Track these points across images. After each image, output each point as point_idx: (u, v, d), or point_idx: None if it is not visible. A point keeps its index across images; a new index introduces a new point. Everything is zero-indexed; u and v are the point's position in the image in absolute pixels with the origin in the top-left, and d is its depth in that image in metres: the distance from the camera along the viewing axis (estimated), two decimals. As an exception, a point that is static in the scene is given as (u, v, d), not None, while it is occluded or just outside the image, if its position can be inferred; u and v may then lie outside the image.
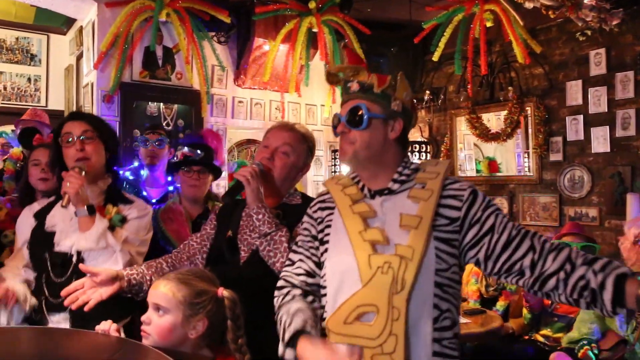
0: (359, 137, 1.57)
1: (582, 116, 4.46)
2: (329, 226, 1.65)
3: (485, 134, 5.08)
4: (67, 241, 2.04)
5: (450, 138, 5.44)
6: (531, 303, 3.49)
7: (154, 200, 3.33)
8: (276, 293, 1.71)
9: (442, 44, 4.58)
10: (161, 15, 4.11)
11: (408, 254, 1.45)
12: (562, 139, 4.60)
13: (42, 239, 2.10)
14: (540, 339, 3.53)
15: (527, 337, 3.63)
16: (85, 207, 2.01)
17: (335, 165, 4.96)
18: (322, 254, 1.66)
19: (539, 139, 4.69)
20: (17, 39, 6.20)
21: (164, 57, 4.39)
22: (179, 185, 3.34)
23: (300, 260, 1.70)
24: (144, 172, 3.56)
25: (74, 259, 2.03)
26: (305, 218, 1.76)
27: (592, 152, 4.39)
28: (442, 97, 5.39)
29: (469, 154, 5.70)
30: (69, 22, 6.00)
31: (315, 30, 4.52)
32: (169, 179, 3.55)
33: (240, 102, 4.76)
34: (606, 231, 4.30)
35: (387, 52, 5.02)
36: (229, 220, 2.12)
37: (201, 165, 2.88)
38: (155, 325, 1.59)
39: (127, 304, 2.04)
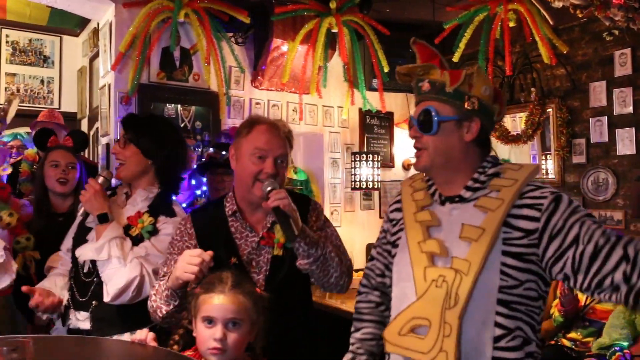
0: (431, 143, 1.49)
1: (606, 117, 4.37)
2: (401, 229, 1.60)
3: (505, 136, 5.00)
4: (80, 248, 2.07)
5: (468, 140, 5.36)
6: (567, 308, 3.40)
7: (183, 205, 3.31)
8: (359, 289, 1.77)
9: (462, 45, 4.51)
10: (180, 15, 4.05)
11: (464, 267, 1.37)
12: (585, 140, 4.52)
13: (81, 234, 2.14)
14: (567, 343, 3.45)
15: (552, 342, 3.55)
16: (97, 216, 2.01)
17: (354, 167, 4.89)
18: (393, 257, 1.62)
19: (562, 141, 4.61)
20: (30, 40, 6.19)
21: (181, 58, 4.33)
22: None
23: (377, 259, 1.71)
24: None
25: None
26: (385, 217, 1.73)
27: (617, 154, 4.31)
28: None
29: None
30: (82, 23, 5.98)
31: (334, 30, 4.46)
32: (193, 182, 3.53)
33: (257, 103, 4.70)
34: (632, 234, 4.22)
35: (405, 53, 4.94)
36: (220, 242, 1.94)
37: (225, 167, 2.85)
38: (233, 339, 1.56)
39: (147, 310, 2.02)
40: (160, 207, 2.13)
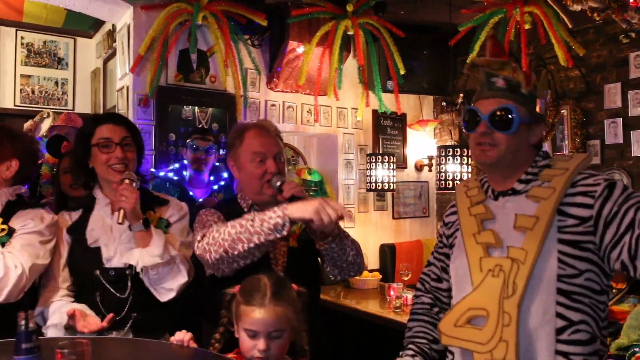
0: (504, 141, 1.48)
1: (621, 119, 4.39)
2: (457, 230, 1.63)
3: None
4: (123, 257, 1.99)
5: (481, 141, 5.38)
6: None
7: (200, 200, 3.34)
8: (415, 292, 1.81)
9: (477, 47, 4.53)
10: (198, 18, 4.09)
11: (520, 256, 1.38)
12: (599, 142, 4.54)
13: (86, 255, 2.03)
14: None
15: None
16: (141, 221, 1.96)
17: (369, 169, 4.91)
18: (449, 259, 1.66)
19: (576, 143, 4.63)
20: (44, 42, 6.23)
21: (198, 60, 4.37)
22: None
23: (433, 264, 1.73)
24: (187, 173, 3.57)
25: (132, 273, 2.01)
26: (441, 222, 1.77)
27: (632, 155, 4.33)
28: (473, 100, 5.33)
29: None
30: (96, 25, 6.02)
31: (350, 33, 4.48)
32: (211, 178, 3.56)
33: (272, 105, 4.74)
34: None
35: (419, 55, 4.98)
36: None
37: None
38: (275, 348, 1.59)
39: (185, 310, 2.09)
40: (148, 200, 2.14)
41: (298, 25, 4.45)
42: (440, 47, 4.97)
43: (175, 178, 3.50)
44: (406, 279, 3.88)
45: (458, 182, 4.19)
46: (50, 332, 1.93)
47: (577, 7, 3.39)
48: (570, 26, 4.07)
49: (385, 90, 4.84)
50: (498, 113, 1.47)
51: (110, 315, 1.87)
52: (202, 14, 4.10)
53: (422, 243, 5.49)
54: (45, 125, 4.30)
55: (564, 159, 1.51)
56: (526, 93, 1.49)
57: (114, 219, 1.98)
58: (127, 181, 1.98)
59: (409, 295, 3.75)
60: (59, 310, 1.92)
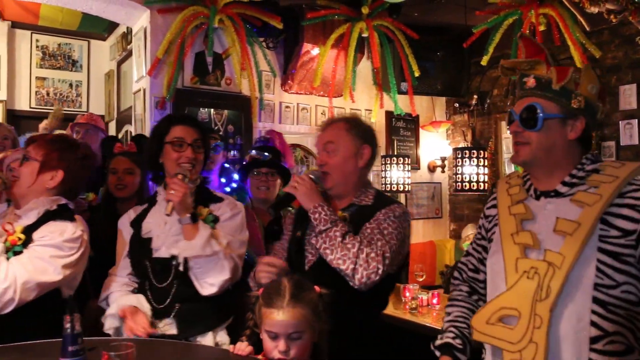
0: (534, 139, 1.48)
1: (636, 120, 4.39)
2: (496, 225, 1.61)
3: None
4: (169, 248, 2.06)
5: (494, 142, 5.40)
6: None
7: None
8: (452, 281, 1.80)
9: (491, 49, 4.55)
10: (214, 21, 4.12)
11: (557, 261, 1.38)
12: (615, 143, 4.53)
13: (140, 246, 2.12)
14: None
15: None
16: (189, 215, 2.01)
17: (384, 170, 4.93)
18: (487, 252, 1.65)
19: (591, 144, 4.62)
20: (59, 45, 6.29)
21: (213, 63, 4.40)
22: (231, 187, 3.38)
23: (471, 254, 1.73)
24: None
25: (177, 264, 2.05)
26: (482, 214, 1.74)
27: (648, 156, 4.33)
28: (487, 101, 5.34)
29: (507, 158, 5.65)
30: (110, 28, 6.07)
31: (364, 35, 4.50)
32: (223, 180, 3.57)
33: (287, 107, 4.76)
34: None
35: (433, 57, 4.99)
36: (302, 222, 2.12)
37: (269, 167, 2.89)
38: (296, 350, 1.60)
39: (227, 306, 2.11)
40: (204, 196, 2.19)
41: (312, 28, 4.48)
42: (454, 48, 4.98)
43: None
44: (420, 279, 3.88)
45: (475, 184, 4.19)
46: (108, 322, 2.01)
47: (594, 10, 3.40)
48: (587, 28, 4.08)
49: (400, 92, 4.86)
50: (525, 113, 1.49)
51: (149, 331, 1.89)
52: (218, 17, 4.13)
53: (435, 244, 5.51)
54: (53, 120, 4.30)
55: (614, 165, 1.48)
56: (557, 89, 1.47)
57: (164, 211, 2.05)
58: (179, 176, 2.04)
59: (424, 297, 3.75)
60: (117, 301, 2.01)
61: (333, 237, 1.86)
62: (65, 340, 1.25)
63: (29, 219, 1.95)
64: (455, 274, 1.81)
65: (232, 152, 4.46)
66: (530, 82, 1.51)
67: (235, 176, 3.65)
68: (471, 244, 1.77)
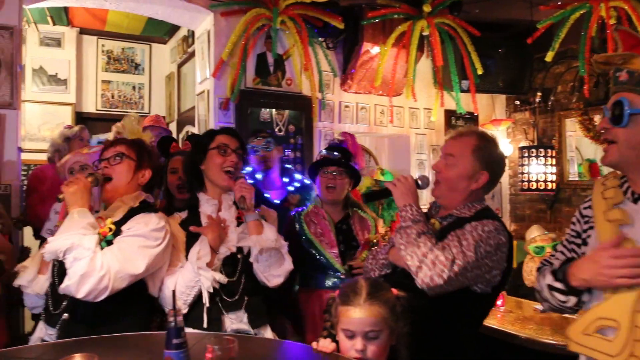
0: (620, 136, 1.41)
1: None
2: (592, 227, 1.55)
3: (600, 136, 4.84)
4: (239, 242, 2.17)
5: (558, 141, 5.24)
6: None
7: (276, 202, 3.39)
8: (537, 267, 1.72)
9: (557, 45, 4.42)
10: (277, 22, 4.18)
11: None
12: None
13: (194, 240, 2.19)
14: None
15: None
16: (256, 211, 2.19)
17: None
18: (578, 254, 1.59)
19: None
20: (122, 49, 6.52)
21: (275, 64, 4.46)
22: (297, 187, 3.42)
23: (561, 251, 1.67)
24: (259, 176, 3.63)
25: (243, 257, 2.17)
26: (576, 212, 1.67)
27: None
28: (551, 98, 5.20)
29: (571, 157, 5.48)
30: (172, 31, 6.24)
31: (425, 33, 4.47)
32: (285, 180, 3.61)
33: (346, 106, 4.78)
34: None
35: (494, 53, 4.89)
36: None
37: (337, 166, 2.90)
38: (373, 349, 1.60)
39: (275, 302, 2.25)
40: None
41: (372, 27, 4.48)
42: (516, 44, 4.88)
43: (250, 181, 3.56)
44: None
45: (542, 183, 4.07)
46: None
47: (672, 1, 3.25)
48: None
49: (461, 90, 4.79)
50: (613, 108, 1.42)
51: None
52: (280, 18, 4.19)
53: (494, 245, 5.39)
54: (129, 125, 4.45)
55: None
56: None
57: (223, 212, 2.23)
58: (242, 179, 2.22)
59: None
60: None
61: (409, 233, 1.85)
62: (170, 334, 1.30)
63: (116, 216, 2.05)
64: (539, 265, 1.75)
65: (284, 152, 4.50)
66: (623, 76, 1.44)
67: (298, 176, 3.68)
68: (561, 242, 1.70)
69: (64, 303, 1.93)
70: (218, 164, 2.23)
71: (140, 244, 1.95)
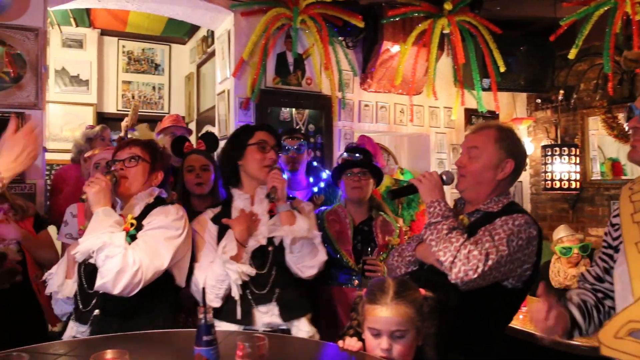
0: None
1: None
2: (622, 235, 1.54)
3: (624, 135, 4.77)
4: (270, 234, 2.19)
5: (581, 139, 5.17)
6: None
7: None
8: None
9: (580, 41, 4.35)
10: (297, 22, 4.18)
11: None
12: None
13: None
14: None
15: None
16: (288, 203, 2.20)
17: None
18: (614, 261, 1.58)
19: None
20: (143, 50, 6.58)
21: (294, 63, 4.47)
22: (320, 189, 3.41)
23: (596, 263, 1.68)
24: (285, 176, 3.63)
25: (274, 249, 2.18)
26: (609, 221, 1.67)
27: None
28: (574, 96, 5.13)
29: (594, 155, 5.40)
30: (191, 31, 6.29)
31: (445, 31, 4.44)
32: (311, 180, 3.61)
33: (366, 105, 4.77)
34: None
35: (516, 51, 4.84)
36: None
37: (361, 167, 2.91)
38: (398, 349, 1.60)
39: (312, 295, 2.25)
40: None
41: (392, 26, 4.46)
42: (538, 42, 4.82)
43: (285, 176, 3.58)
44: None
45: (566, 182, 4.02)
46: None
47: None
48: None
49: (482, 89, 4.75)
50: None
51: None
52: (300, 17, 4.19)
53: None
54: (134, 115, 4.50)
55: None
56: None
57: (255, 206, 2.25)
58: (276, 169, 2.25)
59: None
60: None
61: (440, 229, 1.85)
62: (200, 330, 1.31)
63: (134, 213, 2.09)
64: (579, 283, 1.74)
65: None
66: None
67: (324, 175, 3.69)
68: (598, 251, 1.70)
69: (94, 300, 1.97)
70: (258, 160, 2.28)
71: (164, 235, 2.00)
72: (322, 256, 2.18)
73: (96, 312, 1.95)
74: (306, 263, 2.16)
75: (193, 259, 2.18)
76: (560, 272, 3.89)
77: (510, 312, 2.02)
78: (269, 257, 2.17)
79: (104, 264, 1.85)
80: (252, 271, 2.09)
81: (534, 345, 2.99)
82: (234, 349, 1.32)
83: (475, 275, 1.74)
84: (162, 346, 1.69)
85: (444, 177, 2.06)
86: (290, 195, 2.44)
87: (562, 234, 3.84)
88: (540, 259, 1.93)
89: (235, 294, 2.07)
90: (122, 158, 2.13)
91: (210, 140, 3.23)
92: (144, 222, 2.04)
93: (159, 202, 2.15)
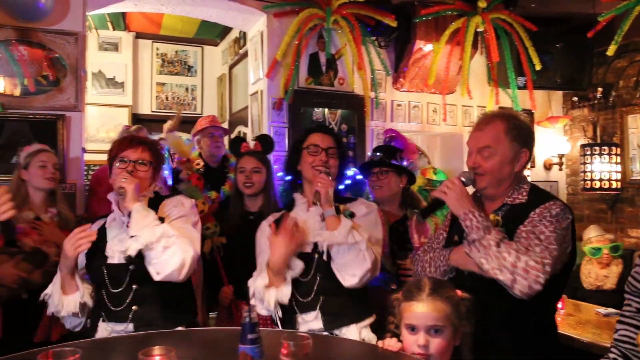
0: None
1: None
2: None
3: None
4: (314, 238, 2.16)
5: (620, 138, 5.04)
6: None
7: None
8: (625, 294, 1.72)
9: (620, 37, 4.24)
10: (329, 22, 4.19)
11: None
12: None
13: None
14: None
15: None
16: (333, 208, 2.12)
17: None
18: None
19: None
20: (176, 52, 6.69)
21: (327, 63, 4.47)
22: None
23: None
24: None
25: (318, 255, 2.14)
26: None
27: None
28: (613, 93, 5.00)
29: (634, 155, 5.25)
30: (223, 33, 6.36)
31: (479, 29, 4.38)
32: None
33: (398, 105, 4.74)
34: None
35: (551, 49, 4.75)
36: (458, 226, 2.05)
37: (379, 166, 2.92)
38: (435, 345, 1.59)
39: (368, 302, 2.17)
40: (339, 198, 2.29)
41: (425, 24, 4.43)
42: (576, 39, 4.72)
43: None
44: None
45: (606, 182, 3.92)
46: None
47: None
48: None
49: (517, 87, 4.68)
50: None
51: None
52: (333, 17, 4.19)
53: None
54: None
55: None
56: None
57: (310, 214, 2.20)
58: (323, 173, 2.18)
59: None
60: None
61: (487, 245, 1.77)
62: (244, 329, 1.32)
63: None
64: (626, 288, 1.70)
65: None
66: None
67: (350, 172, 3.69)
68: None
69: (129, 298, 2.00)
70: (309, 163, 2.26)
71: (188, 222, 2.09)
72: (366, 264, 2.05)
73: (134, 307, 1.99)
74: (348, 270, 2.07)
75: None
76: (592, 273, 3.82)
77: (556, 298, 2.00)
78: (313, 264, 2.12)
79: (162, 254, 1.91)
80: (287, 296, 2.06)
81: (571, 348, 2.95)
82: (275, 348, 1.33)
83: (539, 287, 1.71)
84: (206, 344, 1.72)
85: (464, 180, 1.98)
86: (351, 197, 2.38)
87: (592, 234, 3.77)
88: (575, 238, 1.90)
89: (275, 314, 2.09)
90: (132, 159, 2.13)
91: (266, 142, 3.24)
92: (164, 214, 2.10)
93: (158, 196, 2.22)
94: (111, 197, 2.12)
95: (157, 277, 1.92)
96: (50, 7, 3.56)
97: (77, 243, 1.88)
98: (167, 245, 1.90)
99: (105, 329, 2.01)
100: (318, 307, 2.08)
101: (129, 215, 1.98)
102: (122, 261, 2.01)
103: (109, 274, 2.04)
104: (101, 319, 2.02)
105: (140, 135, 4.08)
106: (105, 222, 2.17)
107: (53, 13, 3.62)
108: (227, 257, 2.93)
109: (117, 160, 2.12)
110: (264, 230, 2.28)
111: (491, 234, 1.79)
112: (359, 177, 3.56)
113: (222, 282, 2.92)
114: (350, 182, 3.65)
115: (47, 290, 2.04)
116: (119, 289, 2.01)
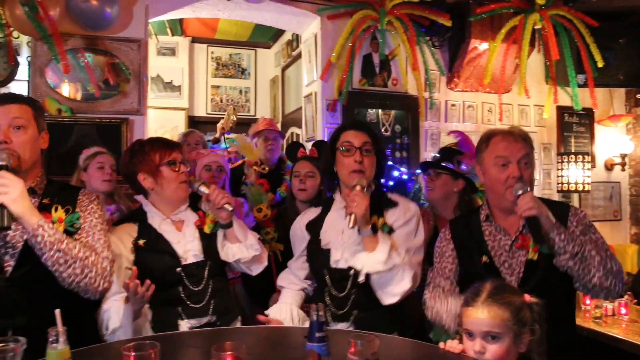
0: None
1: None
2: None
3: None
4: (349, 261, 2.06)
5: (688, 137, 4.82)
6: None
7: None
8: None
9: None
10: (383, 23, 4.19)
11: None
12: None
13: (318, 255, 2.17)
14: None
15: None
16: (370, 227, 1.99)
17: (561, 169, 4.64)
18: None
19: None
20: (230, 55, 6.85)
21: (380, 64, 4.48)
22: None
23: None
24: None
25: (355, 274, 2.04)
26: None
27: None
28: (680, 91, 4.79)
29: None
30: (275, 36, 6.46)
31: (537, 27, 4.28)
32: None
33: (452, 105, 4.70)
34: None
35: (614, 45, 4.59)
36: (475, 243, 2.04)
37: (433, 168, 2.91)
38: (492, 352, 1.57)
39: (400, 312, 2.10)
40: (379, 202, 2.13)
41: (480, 23, 4.37)
42: (639, 33, 4.53)
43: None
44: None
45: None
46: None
47: None
48: None
49: (577, 85, 4.55)
50: None
51: None
52: (386, 18, 4.20)
53: (613, 249, 5.06)
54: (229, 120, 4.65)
55: None
56: None
57: (346, 222, 2.01)
58: (358, 187, 1.99)
59: (609, 305, 3.48)
60: (273, 308, 2.25)
61: (589, 256, 1.81)
62: (312, 327, 1.36)
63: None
64: None
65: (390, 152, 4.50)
66: None
67: (396, 173, 3.69)
68: None
69: (208, 294, 2.07)
70: (345, 165, 2.09)
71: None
72: (405, 285, 1.96)
73: (212, 303, 2.08)
74: (387, 290, 1.99)
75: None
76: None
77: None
78: (349, 281, 2.06)
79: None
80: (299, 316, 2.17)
81: (637, 356, 2.85)
82: (342, 346, 1.37)
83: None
84: (274, 341, 1.77)
85: (521, 192, 1.89)
86: (391, 199, 2.20)
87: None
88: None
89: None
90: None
91: (322, 148, 3.25)
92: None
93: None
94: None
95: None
96: (115, 16, 3.72)
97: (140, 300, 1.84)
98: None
99: (184, 326, 2.01)
100: (352, 320, 2.05)
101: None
102: (200, 259, 2.11)
103: (186, 274, 2.07)
104: (179, 318, 2.02)
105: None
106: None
107: (117, 22, 3.78)
108: (283, 265, 2.91)
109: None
110: (301, 229, 2.31)
111: (591, 246, 1.85)
112: (405, 176, 3.56)
113: (274, 288, 2.92)
114: (393, 183, 3.63)
115: (105, 307, 1.90)
116: (198, 288, 2.07)
